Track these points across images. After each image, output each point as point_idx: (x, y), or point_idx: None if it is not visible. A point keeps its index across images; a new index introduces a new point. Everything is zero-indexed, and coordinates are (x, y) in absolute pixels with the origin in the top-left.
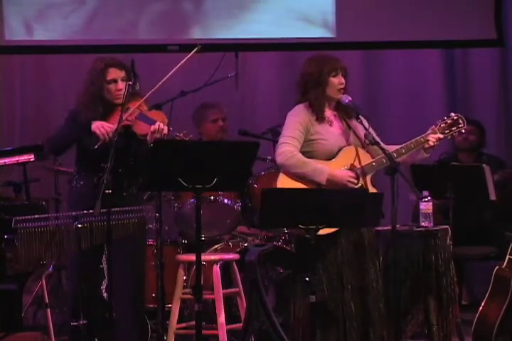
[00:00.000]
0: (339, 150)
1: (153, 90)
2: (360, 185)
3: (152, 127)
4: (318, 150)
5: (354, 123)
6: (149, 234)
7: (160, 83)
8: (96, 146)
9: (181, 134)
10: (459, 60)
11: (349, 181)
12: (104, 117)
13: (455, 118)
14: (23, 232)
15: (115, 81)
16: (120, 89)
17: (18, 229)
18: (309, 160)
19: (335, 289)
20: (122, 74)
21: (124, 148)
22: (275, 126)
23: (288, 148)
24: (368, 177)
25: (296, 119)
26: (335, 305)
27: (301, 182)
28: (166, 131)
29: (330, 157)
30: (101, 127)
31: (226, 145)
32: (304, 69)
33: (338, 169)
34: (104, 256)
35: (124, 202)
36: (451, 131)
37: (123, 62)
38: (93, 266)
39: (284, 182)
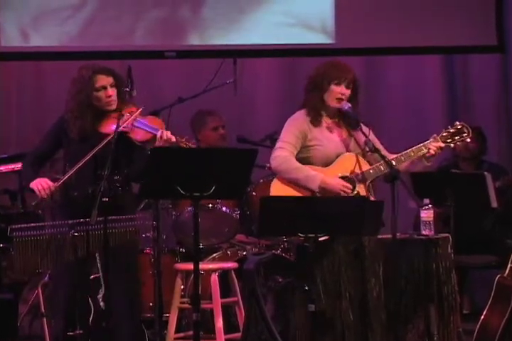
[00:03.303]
0: (337, 157)
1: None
2: (355, 193)
3: (159, 134)
4: (315, 156)
5: (356, 131)
6: (147, 243)
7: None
8: (33, 203)
9: (183, 139)
10: (460, 66)
11: (342, 190)
12: (95, 125)
13: (459, 127)
14: (19, 241)
15: (104, 88)
16: (110, 96)
17: (14, 238)
18: (303, 166)
19: (332, 298)
20: (110, 80)
21: (117, 155)
22: (274, 133)
23: (282, 153)
24: (365, 185)
25: (294, 124)
26: (333, 314)
27: (295, 189)
28: (174, 139)
29: (327, 163)
30: (39, 184)
31: (224, 152)
32: (311, 72)
33: (333, 177)
34: (98, 265)
35: (119, 210)
36: (454, 140)
37: (109, 67)
38: (84, 276)
39: (277, 188)
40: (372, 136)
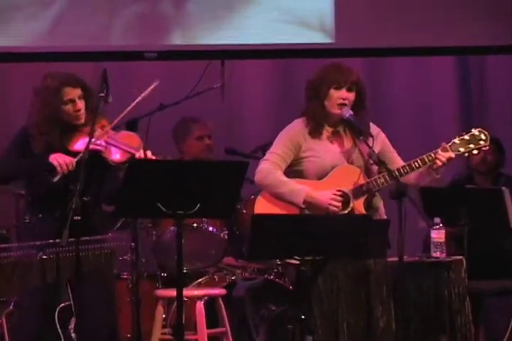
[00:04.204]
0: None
1: (117, 120)
2: (349, 209)
3: (138, 155)
4: (309, 168)
5: (360, 140)
6: (124, 267)
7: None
8: (55, 180)
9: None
10: (473, 68)
11: (330, 204)
12: (63, 141)
13: (476, 133)
14: None
15: (72, 101)
16: (79, 110)
17: None
18: (288, 179)
19: (329, 330)
20: (79, 92)
21: (87, 174)
22: (266, 143)
23: (266, 166)
24: (361, 200)
25: (287, 134)
26: None
27: (282, 206)
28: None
29: (322, 177)
30: (59, 158)
31: (211, 165)
32: (310, 77)
33: (321, 190)
34: (69, 291)
35: (91, 231)
36: (468, 148)
37: (76, 76)
38: (53, 304)
39: (262, 205)
40: (382, 142)
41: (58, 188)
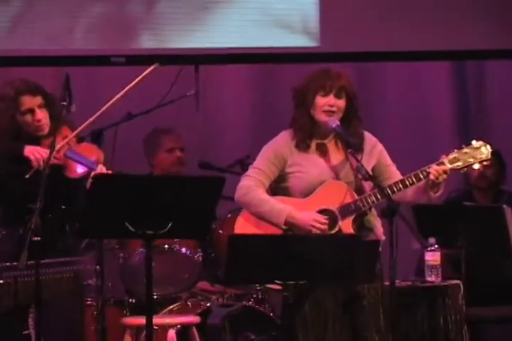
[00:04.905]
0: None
1: (88, 122)
2: (336, 229)
3: (98, 170)
4: (294, 185)
5: (350, 153)
6: (89, 292)
7: (98, 113)
8: (28, 175)
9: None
10: (472, 74)
11: (313, 226)
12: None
13: (476, 146)
14: None
15: (31, 111)
16: (39, 120)
17: None
18: (270, 197)
19: None
20: (38, 100)
21: (50, 190)
22: (245, 157)
23: (247, 182)
24: (349, 220)
25: (271, 147)
26: None
27: (264, 227)
28: None
29: (310, 193)
30: (36, 152)
31: (183, 180)
32: (297, 84)
33: (307, 208)
34: (29, 319)
35: (58, 254)
36: (467, 162)
37: (36, 84)
38: (13, 333)
39: (242, 226)
40: (379, 154)
41: (20, 206)
